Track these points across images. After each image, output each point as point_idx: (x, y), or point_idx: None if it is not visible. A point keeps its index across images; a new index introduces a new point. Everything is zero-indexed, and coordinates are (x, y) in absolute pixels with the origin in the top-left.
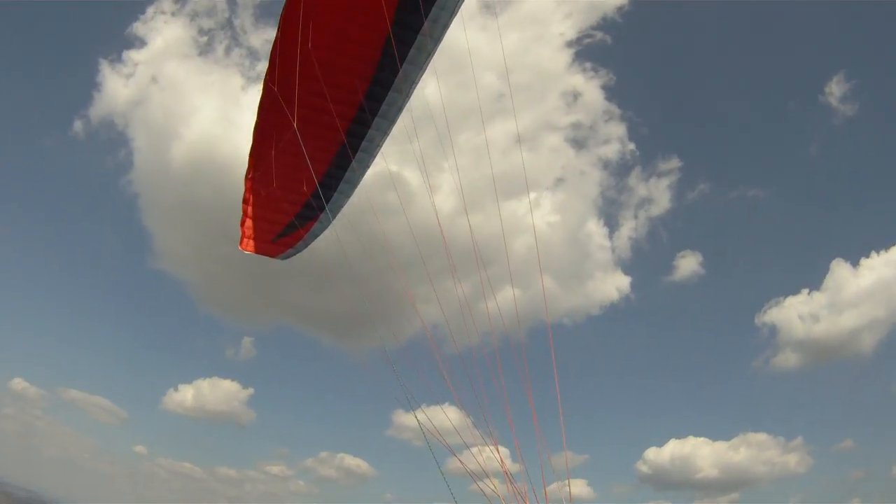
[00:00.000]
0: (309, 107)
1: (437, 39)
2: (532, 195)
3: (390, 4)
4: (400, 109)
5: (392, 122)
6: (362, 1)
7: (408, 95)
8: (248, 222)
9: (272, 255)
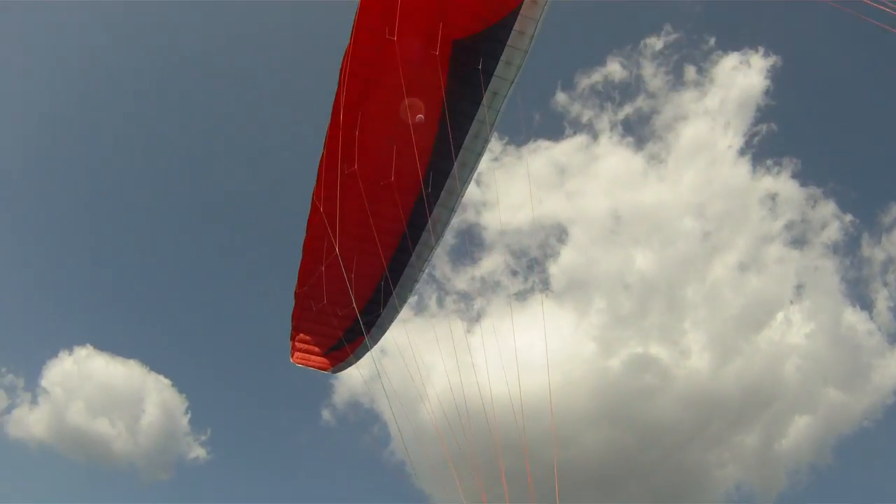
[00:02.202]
0: (351, 234)
1: (471, 171)
2: (779, 315)
3: (433, 126)
4: (445, 225)
5: (439, 236)
6: (406, 127)
7: (453, 211)
8: (300, 336)
9: (324, 369)
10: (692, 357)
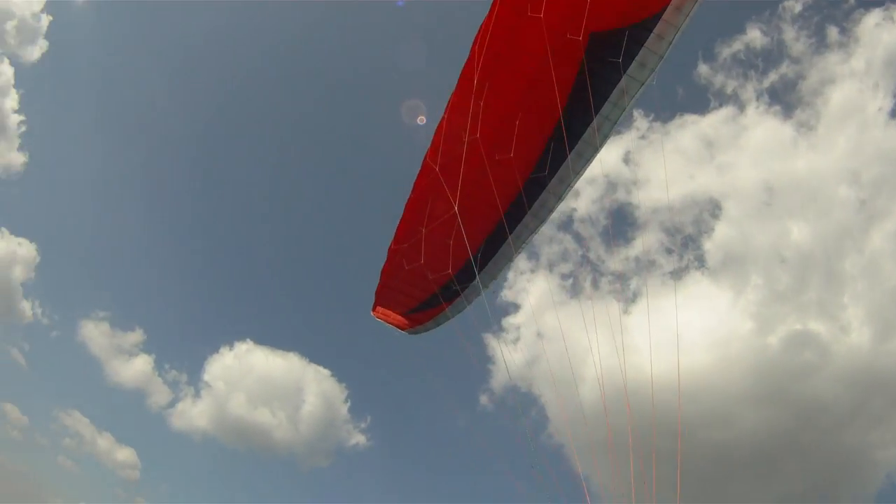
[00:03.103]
0: (467, 194)
1: (586, 163)
2: None
3: (556, 111)
4: (550, 211)
5: (541, 221)
6: (533, 102)
7: (560, 199)
8: (386, 292)
9: (402, 328)
10: (852, 333)
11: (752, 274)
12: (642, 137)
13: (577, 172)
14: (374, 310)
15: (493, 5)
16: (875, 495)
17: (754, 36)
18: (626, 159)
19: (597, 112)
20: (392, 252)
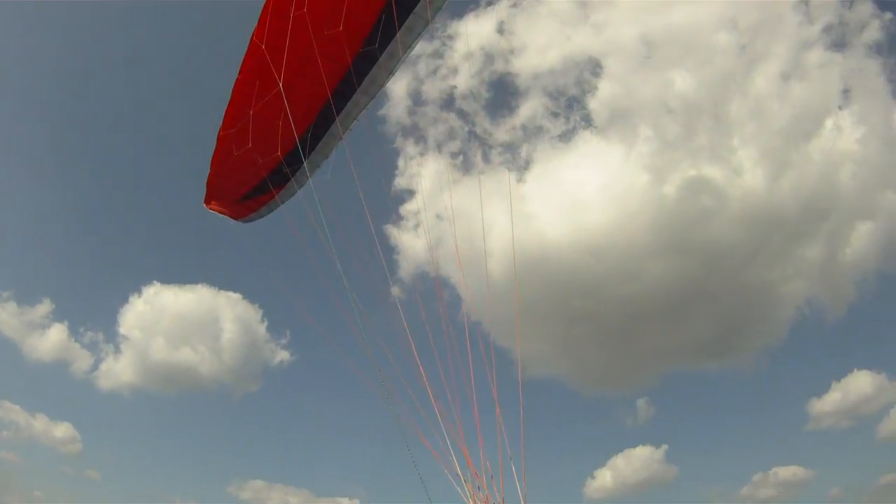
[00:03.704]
0: (295, 71)
1: (427, 22)
2: (828, 122)
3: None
4: (380, 87)
5: (371, 97)
6: None
7: (391, 74)
8: (216, 181)
9: (235, 217)
10: (745, 174)
11: (641, 126)
12: (514, 6)
13: (408, 46)
14: (205, 201)
15: None
16: (788, 330)
17: None
18: (501, 29)
19: None
20: (221, 139)
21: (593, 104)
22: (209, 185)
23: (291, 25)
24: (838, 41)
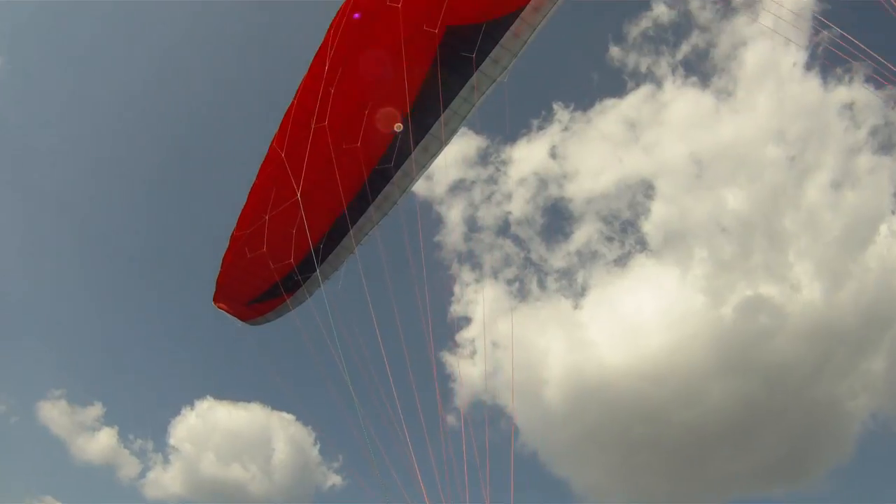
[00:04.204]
0: (312, 182)
1: (432, 157)
2: (882, 228)
3: (406, 103)
4: (393, 204)
5: (384, 213)
6: (385, 91)
7: (404, 192)
8: (227, 281)
9: (243, 319)
10: (803, 289)
11: (696, 248)
12: (565, 129)
13: (423, 166)
14: (214, 299)
15: None
16: (856, 445)
17: (660, 11)
18: (553, 154)
19: (446, 107)
20: (234, 239)
21: (647, 227)
22: (219, 284)
23: (312, 137)
24: (885, 143)
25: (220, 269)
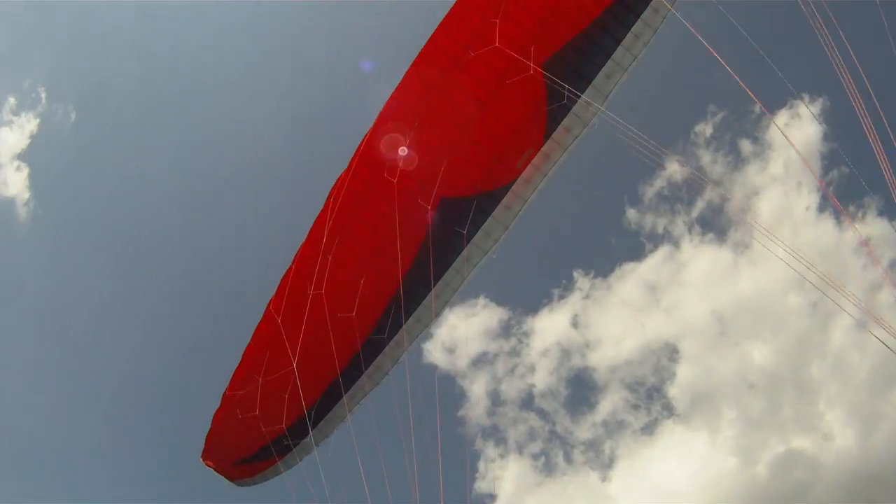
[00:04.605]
0: (307, 349)
1: (424, 328)
2: None
3: (398, 275)
4: (385, 374)
5: (375, 383)
6: (380, 262)
7: (395, 362)
8: (217, 439)
9: (230, 479)
10: (836, 438)
11: (724, 407)
12: (586, 297)
13: (414, 337)
14: (202, 455)
15: (352, 161)
16: None
17: (673, 169)
18: (575, 322)
19: (438, 279)
20: (226, 399)
21: (673, 391)
22: (208, 441)
23: (309, 304)
24: None
25: (210, 425)
